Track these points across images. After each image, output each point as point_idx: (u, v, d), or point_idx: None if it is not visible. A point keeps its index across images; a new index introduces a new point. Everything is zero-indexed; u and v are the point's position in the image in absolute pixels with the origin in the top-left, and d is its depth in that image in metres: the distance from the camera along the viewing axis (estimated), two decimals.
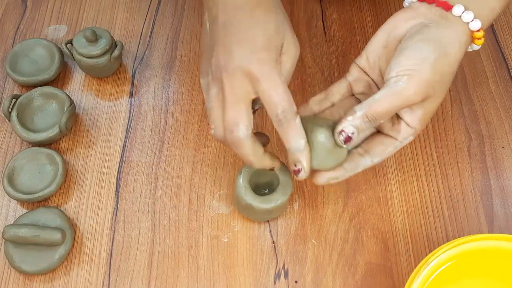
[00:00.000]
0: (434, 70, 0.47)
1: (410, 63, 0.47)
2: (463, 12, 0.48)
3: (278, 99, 0.48)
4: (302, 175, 0.49)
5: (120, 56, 0.68)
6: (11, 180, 0.60)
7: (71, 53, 0.67)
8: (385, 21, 0.74)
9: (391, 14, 0.74)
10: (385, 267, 0.57)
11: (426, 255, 0.51)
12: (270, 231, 0.59)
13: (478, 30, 0.48)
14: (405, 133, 0.50)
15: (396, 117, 0.51)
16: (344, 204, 0.61)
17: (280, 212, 0.59)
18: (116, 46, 0.67)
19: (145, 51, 0.71)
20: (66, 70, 0.70)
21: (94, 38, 0.65)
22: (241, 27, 0.48)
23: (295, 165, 0.49)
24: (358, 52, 0.71)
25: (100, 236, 0.59)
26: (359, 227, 0.59)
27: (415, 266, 0.51)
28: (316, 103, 0.55)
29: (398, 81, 0.47)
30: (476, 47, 0.50)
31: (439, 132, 0.66)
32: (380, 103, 0.47)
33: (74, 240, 0.58)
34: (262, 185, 0.58)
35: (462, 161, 0.64)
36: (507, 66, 0.71)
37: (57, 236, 0.55)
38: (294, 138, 0.48)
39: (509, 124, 0.66)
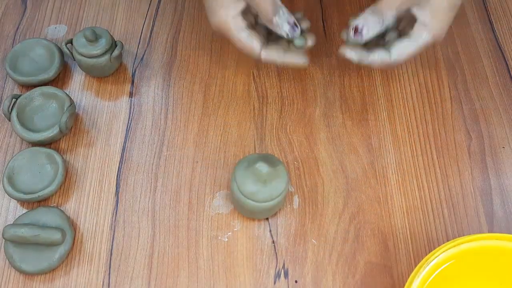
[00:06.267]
0: None
1: None
2: None
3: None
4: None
5: (120, 56, 0.68)
6: (11, 180, 0.60)
7: (71, 53, 0.67)
8: None
9: None
10: (385, 267, 0.57)
11: (426, 255, 0.51)
12: (270, 230, 0.59)
13: None
14: (418, 31, 0.55)
15: (412, 19, 0.56)
16: (344, 203, 0.61)
17: (277, 209, 0.59)
18: (116, 46, 0.67)
19: (145, 51, 0.72)
20: (66, 70, 0.70)
21: (94, 38, 0.65)
22: None
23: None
24: None
25: (100, 236, 0.59)
26: (359, 227, 0.59)
27: (415, 265, 0.51)
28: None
29: None
30: None
31: (439, 132, 0.66)
32: None
33: (74, 240, 0.58)
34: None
35: (462, 161, 0.64)
36: (507, 66, 0.71)
37: (57, 236, 0.55)
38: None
39: (509, 124, 0.66)
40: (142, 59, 0.71)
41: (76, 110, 0.66)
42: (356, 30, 0.55)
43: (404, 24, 0.59)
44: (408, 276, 0.50)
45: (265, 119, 0.66)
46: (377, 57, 0.57)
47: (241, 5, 0.57)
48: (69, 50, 0.67)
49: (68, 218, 0.59)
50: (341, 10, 0.75)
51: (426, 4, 0.55)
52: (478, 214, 0.60)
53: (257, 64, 0.70)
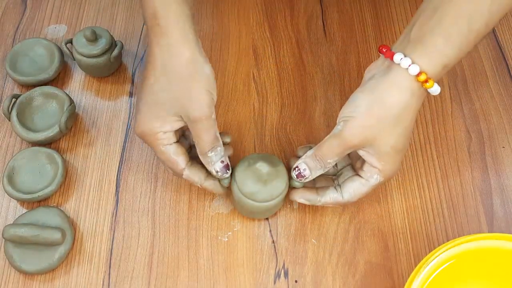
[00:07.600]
0: (367, 115, 0.51)
1: (347, 111, 0.52)
2: (401, 59, 0.49)
3: None
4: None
5: (120, 55, 0.68)
6: (11, 180, 0.60)
7: (71, 53, 0.67)
8: (385, 21, 0.75)
9: (391, 14, 0.75)
10: (385, 267, 0.57)
11: (426, 255, 0.51)
12: (270, 230, 0.59)
13: (418, 75, 0.48)
14: (368, 172, 0.54)
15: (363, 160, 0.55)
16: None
17: (276, 208, 0.59)
18: (116, 45, 0.67)
19: (145, 50, 0.71)
20: (66, 70, 0.70)
21: (94, 38, 0.65)
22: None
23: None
24: (358, 52, 0.71)
25: (100, 235, 0.59)
26: (359, 227, 0.59)
27: (415, 265, 0.51)
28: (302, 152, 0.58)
29: (337, 126, 0.53)
30: (435, 90, 0.50)
31: (439, 132, 0.66)
32: (324, 144, 0.53)
33: (74, 239, 0.58)
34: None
35: (462, 160, 0.64)
36: (507, 66, 0.71)
37: (57, 235, 0.55)
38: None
39: (509, 124, 0.66)
40: (142, 59, 0.71)
41: (76, 110, 0.66)
42: (300, 173, 0.54)
43: (355, 160, 0.57)
44: (408, 276, 0.50)
45: (265, 119, 0.66)
46: (329, 198, 0.56)
47: (178, 125, 0.53)
48: (69, 50, 0.67)
49: (68, 218, 0.59)
50: (341, 10, 0.75)
51: (370, 148, 0.52)
52: (478, 214, 0.60)
53: (257, 64, 0.70)
